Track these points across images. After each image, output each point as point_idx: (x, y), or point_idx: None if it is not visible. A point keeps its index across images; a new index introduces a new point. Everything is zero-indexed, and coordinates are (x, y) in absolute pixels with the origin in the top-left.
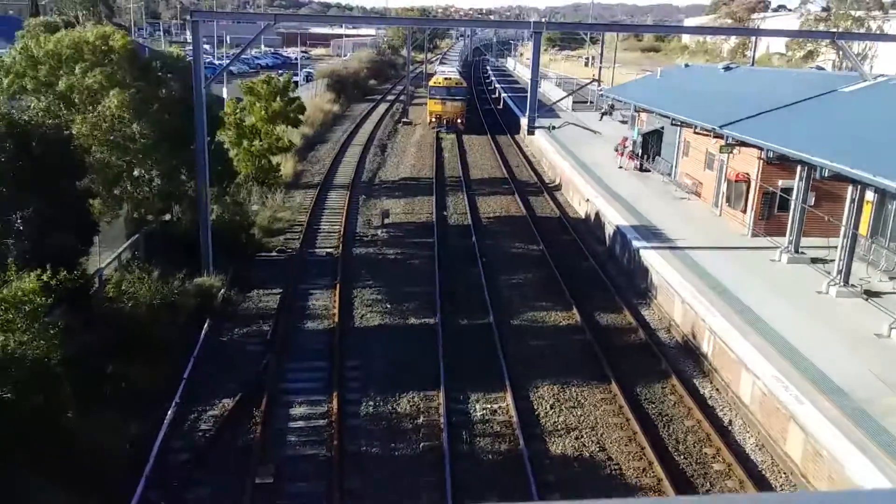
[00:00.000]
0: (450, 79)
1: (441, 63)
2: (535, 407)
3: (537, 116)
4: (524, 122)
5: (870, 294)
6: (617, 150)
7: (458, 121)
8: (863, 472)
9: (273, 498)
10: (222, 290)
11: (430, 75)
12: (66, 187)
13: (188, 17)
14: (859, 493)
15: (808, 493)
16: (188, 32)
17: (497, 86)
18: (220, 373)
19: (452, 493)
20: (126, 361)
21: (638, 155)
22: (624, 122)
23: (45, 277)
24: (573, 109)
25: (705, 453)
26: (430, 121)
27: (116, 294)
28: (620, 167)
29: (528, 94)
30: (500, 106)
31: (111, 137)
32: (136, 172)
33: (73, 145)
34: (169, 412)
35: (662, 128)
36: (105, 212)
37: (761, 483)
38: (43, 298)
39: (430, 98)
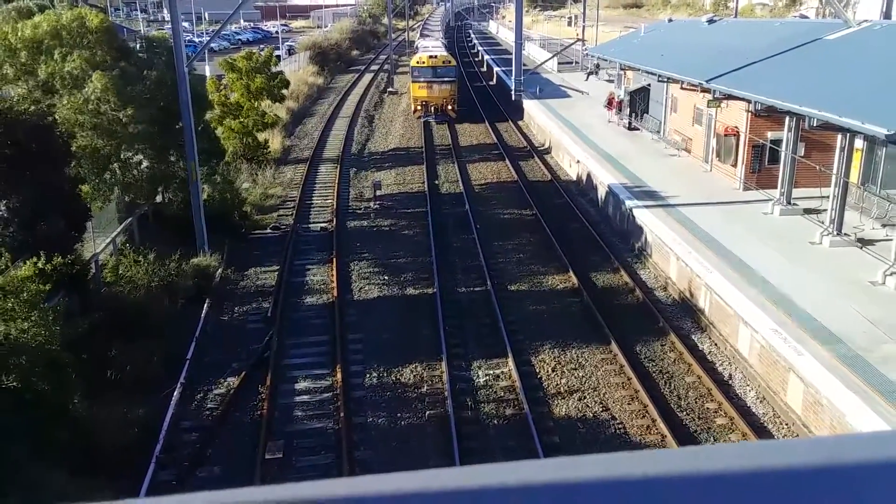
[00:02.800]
0: (435, 56)
1: (423, 36)
2: (538, 370)
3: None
4: (527, 104)
5: (863, 242)
6: (605, 107)
7: (449, 107)
8: (863, 419)
9: (283, 472)
10: (219, 270)
11: (412, 43)
12: (54, 174)
13: None
14: (856, 438)
15: (803, 440)
16: (166, 11)
17: (486, 58)
18: (222, 352)
19: (460, 459)
20: (128, 344)
21: (620, 106)
22: (610, 81)
23: (39, 264)
24: (559, 71)
25: (707, 408)
26: (415, 108)
27: (114, 278)
28: (610, 121)
29: (513, 58)
30: (494, 81)
31: (96, 121)
32: (123, 156)
33: (58, 131)
34: (175, 393)
35: (649, 85)
36: (96, 197)
37: (763, 434)
38: (40, 285)
39: (412, 81)
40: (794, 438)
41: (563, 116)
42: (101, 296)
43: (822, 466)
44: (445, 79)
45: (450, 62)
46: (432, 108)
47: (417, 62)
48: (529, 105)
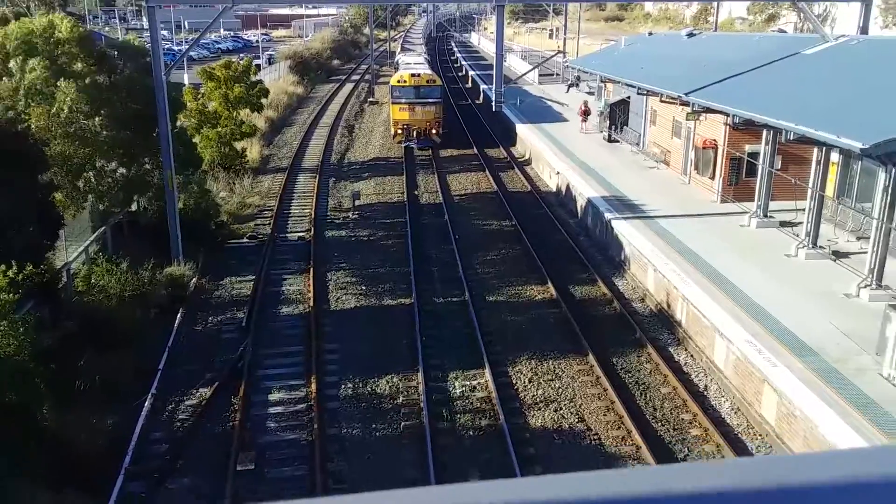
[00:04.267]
0: (419, 74)
1: (405, 50)
2: (514, 381)
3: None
4: (520, 129)
5: (838, 255)
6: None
7: (433, 131)
8: (836, 431)
9: (255, 484)
10: (194, 279)
11: (393, 54)
12: (26, 181)
13: (144, 3)
14: (834, 455)
15: (780, 458)
16: (144, 19)
17: (472, 73)
18: (195, 362)
19: (434, 470)
20: (99, 354)
21: (588, 114)
22: (591, 94)
23: (10, 273)
24: (539, 82)
25: (682, 419)
26: (395, 132)
27: (85, 287)
28: (581, 132)
29: (494, 70)
30: (480, 100)
31: (70, 130)
32: (98, 164)
33: (32, 138)
34: (146, 403)
35: (629, 97)
36: (69, 205)
37: (737, 446)
38: (9, 294)
39: (392, 102)
40: (766, 455)
41: (543, 128)
42: (72, 305)
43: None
44: (429, 100)
45: (434, 81)
46: (414, 133)
47: (399, 81)
48: (510, 117)
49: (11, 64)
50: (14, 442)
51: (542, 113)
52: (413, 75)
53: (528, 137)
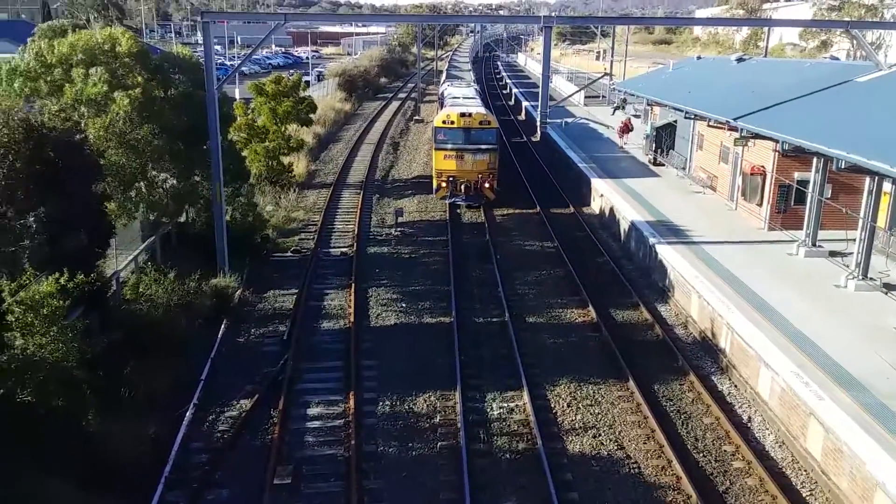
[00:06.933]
0: (469, 115)
1: (451, 77)
2: (553, 405)
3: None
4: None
5: (889, 287)
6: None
7: (486, 185)
8: (885, 469)
9: (291, 499)
10: (238, 291)
11: (440, 73)
12: (81, 190)
13: (199, 18)
14: None
15: None
16: (199, 33)
17: (525, 104)
18: (237, 373)
19: (471, 493)
20: (144, 363)
21: (628, 130)
22: (637, 116)
23: (62, 280)
24: (585, 104)
25: (724, 451)
26: (438, 185)
27: (133, 296)
28: (622, 148)
29: (540, 90)
30: (538, 137)
31: (124, 140)
32: (150, 174)
33: (88, 148)
34: (187, 413)
35: (675, 121)
36: (121, 214)
37: (781, 480)
38: (61, 301)
39: (436, 148)
40: None
41: (588, 149)
42: (119, 313)
43: None
44: (482, 146)
45: (489, 123)
46: (462, 187)
47: (444, 121)
48: (555, 138)
49: (74, 74)
50: (58, 447)
51: (586, 135)
52: (462, 115)
53: (572, 158)
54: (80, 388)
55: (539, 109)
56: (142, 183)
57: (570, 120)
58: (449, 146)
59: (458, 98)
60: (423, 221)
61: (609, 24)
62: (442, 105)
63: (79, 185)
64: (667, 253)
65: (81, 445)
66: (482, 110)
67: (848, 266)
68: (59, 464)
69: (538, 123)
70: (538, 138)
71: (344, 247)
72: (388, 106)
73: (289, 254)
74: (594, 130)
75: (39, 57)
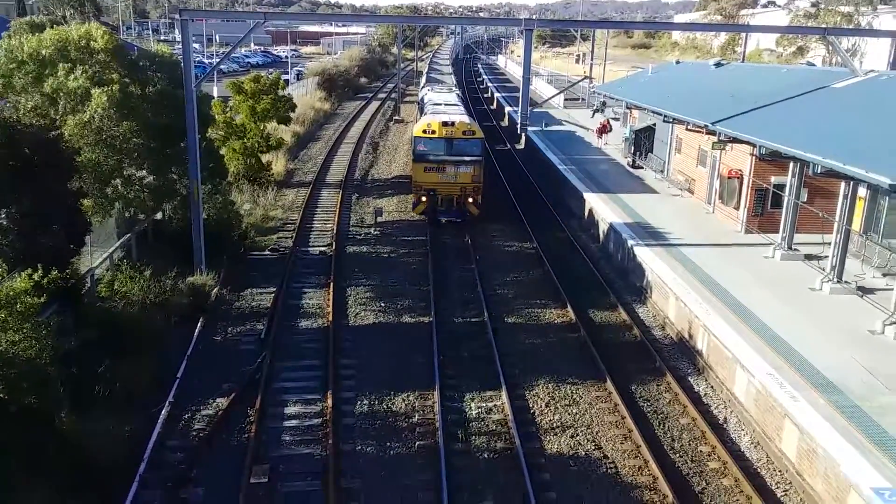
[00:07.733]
0: (452, 123)
1: (431, 81)
2: (531, 405)
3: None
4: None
5: (863, 290)
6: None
7: (469, 199)
8: (858, 470)
9: (268, 498)
10: (215, 289)
11: (420, 73)
12: (57, 187)
13: (177, 16)
14: None
15: None
16: (177, 31)
17: (508, 110)
18: (214, 372)
19: (449, 492)
20: (119, 361)
21: (606, 131)
22: (616, 119)
23: (36, 277)
24: (565, 107)
25: (700, 451)
26: (417, 199)
27: (108, 293)
28: (600, 147)
29: (520, 93)
30: (522, 144)
31: (101, 137)
32: (126, 171)
33: (64, 144)
34: (163, 411)
35: (654, 125)
36: (97, 211)
37: (756, 481)
38: (34, 298)
39: (415, 160)
40: None
41: (567, 151)
42: (94, 310)
43: None
44: (466, 158)
45: (473, 133)
46: (443, 202)
47: (425, 131)
48: (536, 141)
49: (59, 70)
50: (31, 445)
51: (565, 137)
52: (445, 124)
53: (551, 160)
54: (54, 386)
55: (520, 111)
56: (118, 180)
57: (550, 128)
58: (430, 158)
59: (440, 105)
60: (403, 221)
61: (589, 27)
62: (422, 112)
63: (54, 182)
64: (645, 255)
65: (55, 443)
66: (466, 119)
67: (823, 269)
68: (31, 461)
69: (519, 127)
70: (522, 145)
71: (323, 245)
72: (367, 106)
73: (267, 252)
74: (573, 132)
75: (11, 54)
